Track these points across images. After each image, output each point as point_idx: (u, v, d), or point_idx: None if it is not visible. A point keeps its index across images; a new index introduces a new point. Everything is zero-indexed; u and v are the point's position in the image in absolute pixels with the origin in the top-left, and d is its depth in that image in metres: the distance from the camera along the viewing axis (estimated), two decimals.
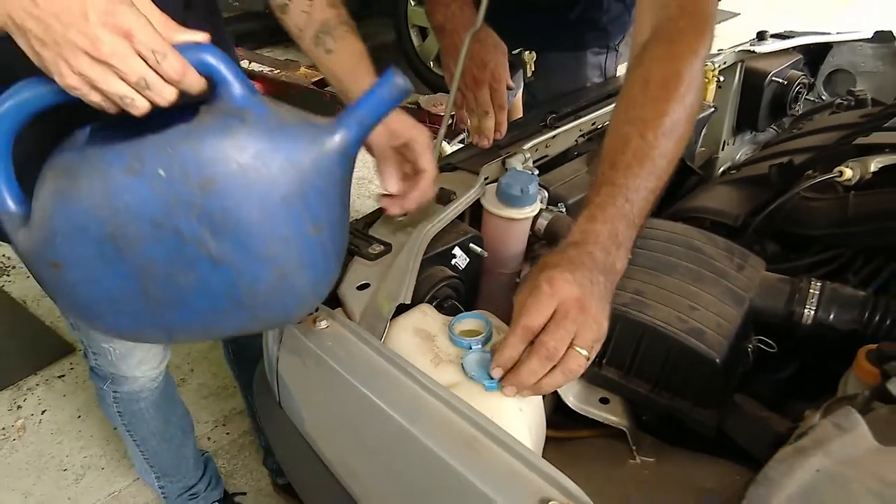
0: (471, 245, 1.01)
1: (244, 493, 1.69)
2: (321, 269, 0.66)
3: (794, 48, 1.63)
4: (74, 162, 0.58)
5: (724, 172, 1.58)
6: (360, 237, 0.94)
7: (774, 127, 1.71)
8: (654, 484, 0.77)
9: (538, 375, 0.67)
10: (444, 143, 3.12)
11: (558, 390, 0.80)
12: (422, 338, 0.77)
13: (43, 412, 1.94)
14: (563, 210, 1.09)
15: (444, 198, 1.02)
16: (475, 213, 1.08)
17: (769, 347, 0.86)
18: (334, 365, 0.74)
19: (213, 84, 0.59)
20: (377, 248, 0.91)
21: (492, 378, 0.70)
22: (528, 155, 1.11)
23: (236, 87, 0.58)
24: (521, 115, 1.65)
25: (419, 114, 3.14)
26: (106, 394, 1.30)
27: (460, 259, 1.00)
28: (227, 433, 1.88)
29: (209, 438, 1.86)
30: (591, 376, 0.83)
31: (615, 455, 0.81)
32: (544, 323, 0.68)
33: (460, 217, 1.05)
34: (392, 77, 0.62)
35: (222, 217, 0.57)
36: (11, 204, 0.60)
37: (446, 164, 1.13)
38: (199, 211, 0.57)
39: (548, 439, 0.80)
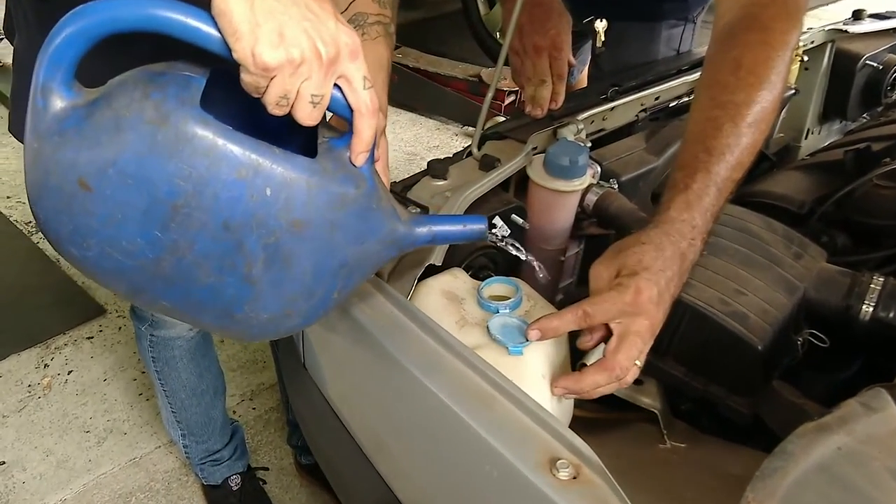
0: (512, 216, 1.05)
1: (266, 469, 1.78)
2: (314, 320, 0.72)
3: (893, 30, 1.61)
4: (183, 121, 0.57)
5: None
6: (398, 199, 0.99)
7: (867, 116, 1.70)
8: (680, 467, 0.81)
9: (598, 386, 0.73)
10: (499, 118, 3.16)
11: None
12: (449, 299, 0.83)
13: (69, 372, 2.08)
14: (616, 187, 1.13)
15: (487, 164, 1.07)
16: (522, 185, 1.13)
17: (820, 342, 0.88)
18: (359, 319, 0.80)
19: (348, 132, 0.64)
20: (414, 210, 0.97)
21: (517, 343, 0.75)
22: (581, 126, 1.16)
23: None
24: None
25: (480, 88, 3.19)
26: (143, 336, 1.41)
27: (501, 229, 1.05)
28: (254, 408, 1.98)
29: (235, 412, 1.96)
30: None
31: (645, 438, 0.85)
32: (607, 321, 0.74)
33: (504, 187, 1.10)
34: (480, 222, 0.76)
35: (286, 256, 0.62)
36: (59, 88, 0.58)
37: (493, 133, 1.18)
38: (273, 240, 0.61)
39: (576, 418, 0.85)
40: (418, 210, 0.98)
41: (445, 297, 0.83)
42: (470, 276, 0.94)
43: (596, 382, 0.73)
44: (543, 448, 0.62)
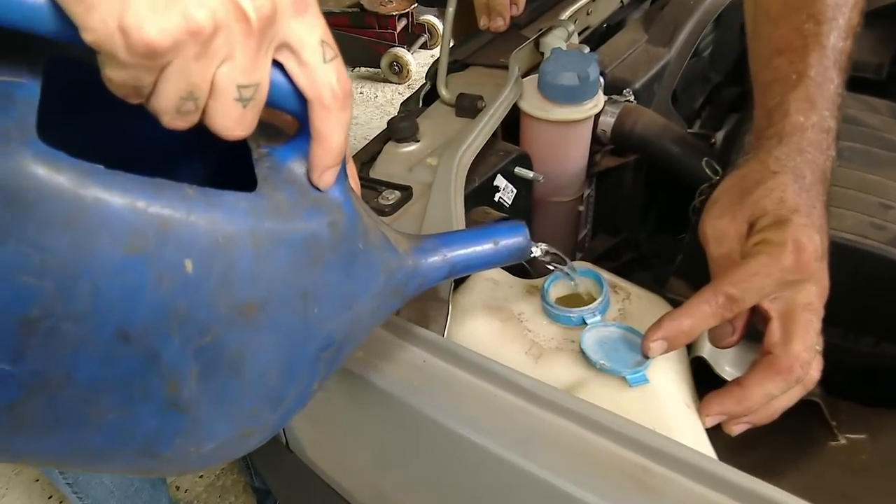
0: (517, 170, 0.84)
1: None
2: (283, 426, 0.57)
3: None
4: (15, 168, 0.35)
5: None
6: (364, 185, 0.76)
7: None
8: (876, 469, 0.63)
9: (772, 397, 0.54)
10: (407, 54, 2.93)
11: (709, 360, 0.66)
12: (503, 320, 0.61)
13: None
14: (632, 98, 0.93)
15: (467, 108, 0.85)
16: (509, 123, 0.91)
17: None
18: (380, 386, 0.57)
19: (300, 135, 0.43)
20: (391, 196, 0.74)
21: (635, 366, 0.54)
22: (571, 28, 0.94)
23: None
24: None
25: (364, 18, 2.92)
26: None
27: (505, 191, 0.84)
28: (200, 476, 1.74)
29: (178, 488, 1.71)
30: (754, 331, 0.68)
31: (804, 436, 0.67)
32: (759, 301, 0.54)
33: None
34: (519, 233, 0.56)
35: (234, 358, 0.41)
36: None
37: (453, 62, 0.95)
38: (209, 341, 0.40)
39: None
40: (397, 194, 0.74)
41: (497, 319, 0.61)
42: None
43: (768, 393, 0.53)
44: None
